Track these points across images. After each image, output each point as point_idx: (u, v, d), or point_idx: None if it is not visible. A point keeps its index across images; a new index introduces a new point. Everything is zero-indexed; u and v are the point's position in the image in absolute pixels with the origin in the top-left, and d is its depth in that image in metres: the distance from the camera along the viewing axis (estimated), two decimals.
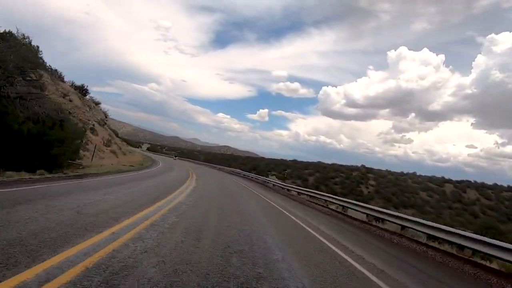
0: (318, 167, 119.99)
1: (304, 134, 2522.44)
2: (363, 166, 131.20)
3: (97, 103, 46.04)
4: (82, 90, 29.30)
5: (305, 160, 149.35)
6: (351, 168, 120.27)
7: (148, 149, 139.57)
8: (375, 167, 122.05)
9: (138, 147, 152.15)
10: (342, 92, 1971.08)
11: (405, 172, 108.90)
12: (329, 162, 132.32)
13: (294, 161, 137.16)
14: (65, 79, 33.89)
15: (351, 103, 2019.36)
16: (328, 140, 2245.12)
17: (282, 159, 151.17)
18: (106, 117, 47.26)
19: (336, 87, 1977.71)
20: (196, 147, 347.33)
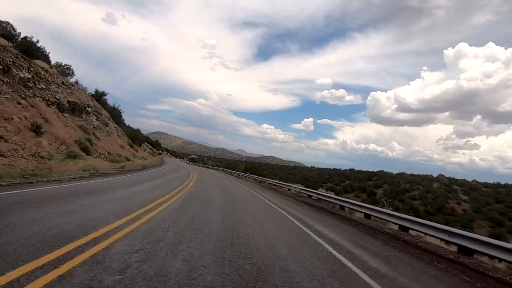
0: (384, 177, 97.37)
1: (351, 143, 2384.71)
2: (441, 175, 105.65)
3: (103, 94, 33.74)
4: (26, 50, 16.62)
5: (350, 168, 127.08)
6: (427, 178, 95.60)
7: (191, 159, 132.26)
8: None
9: (183, 158, 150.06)
10: (393, 96, 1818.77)
11: (502, 182, 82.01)
12: (385, 170, 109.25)
13: (352, 171, 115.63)
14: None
15: (404, 108, 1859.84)
16: (379, 148, 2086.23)
17: (335, 169, 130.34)
18: (110, 116, 34.64)
19: (385, 91, 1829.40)
20: (242, 158, 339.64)
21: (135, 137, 50.22)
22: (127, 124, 52.96)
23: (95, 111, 25.37)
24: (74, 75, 27.21)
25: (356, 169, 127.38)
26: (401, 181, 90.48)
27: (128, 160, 22.30)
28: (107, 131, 26.19)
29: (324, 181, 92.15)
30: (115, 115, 37.40)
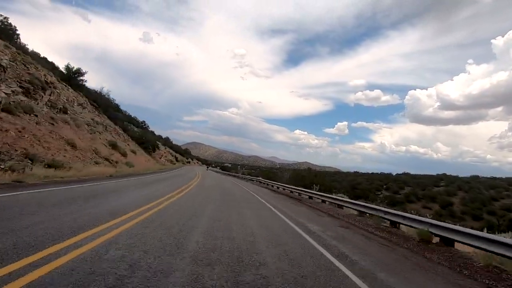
0: (454, 181, 77.47)
1: (390, 145, 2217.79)
2: None
3: (78, 73, 22.96)
4: None
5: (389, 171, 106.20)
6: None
7: (222, 167, 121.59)
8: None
9: (214, 166, 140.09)
10: (435, 94, 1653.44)
11: None
12: (433, 172, 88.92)
13: (408, 175, 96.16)
14: None
15: (448, 105, 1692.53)
16: (421, 150, 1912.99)
17: (383, 173, 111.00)
18: (96, 107, 23.92)
19: (426, 89, 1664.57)
20: (275, 165, 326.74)
21: (146, 140, 39.84)
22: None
23: (29, 82, 14.22)
24: (18, 38, 16.63)
25: (396, 172, 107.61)
26: (480, 187, 70.42)
27: (59, 167, 10.46)
28: (53, 118, 14.84)
29: (377, 188, 74.70)
30: (103, 104, 26.85)
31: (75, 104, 20.03)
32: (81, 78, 23.39)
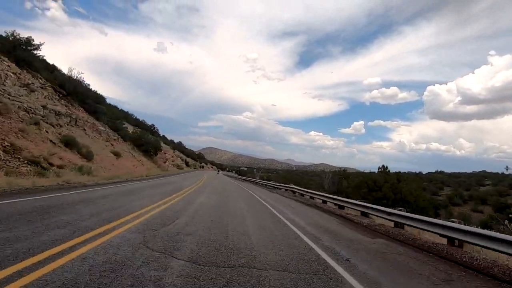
0: (500, 178, 66.63)
1: (410, 143, 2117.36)
2: None
3: (28, 44, 16.63)
4: None
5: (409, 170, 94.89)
6: None
7: (237, 172, 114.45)
8: None
9: (229, 170, 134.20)
10: (455, 88, 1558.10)
11: None
12: (457, 170, 77.47)
13: (443, 174, 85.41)
14: None
15: (470, 100, 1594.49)
16: (442, 147, 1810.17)
17: (411, 172, 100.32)
18: (63, 94, 17.49)
19: (445, 84, 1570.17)
20: (292, 167, 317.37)
21: (146, 142, 33.61)
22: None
23: None
24: None
25: (418, 171, 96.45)
26: None
27: None
28: None
29: (414, 191, 65.14)
30: (77, 93, 20.57)
31: (9, 81, 13.81)
32: (37, 52, 17.19)
